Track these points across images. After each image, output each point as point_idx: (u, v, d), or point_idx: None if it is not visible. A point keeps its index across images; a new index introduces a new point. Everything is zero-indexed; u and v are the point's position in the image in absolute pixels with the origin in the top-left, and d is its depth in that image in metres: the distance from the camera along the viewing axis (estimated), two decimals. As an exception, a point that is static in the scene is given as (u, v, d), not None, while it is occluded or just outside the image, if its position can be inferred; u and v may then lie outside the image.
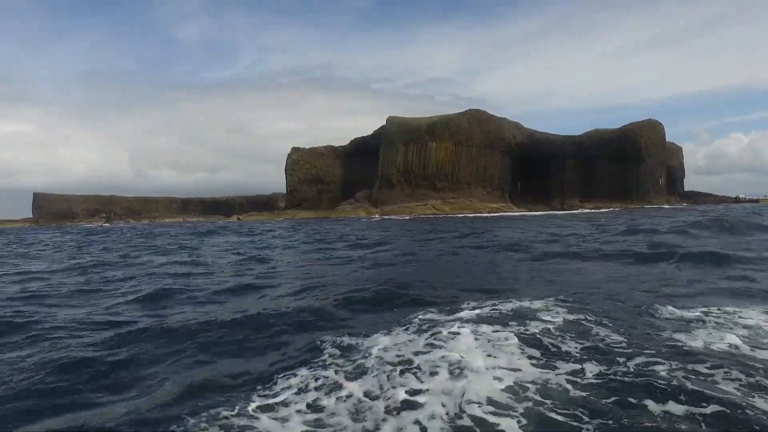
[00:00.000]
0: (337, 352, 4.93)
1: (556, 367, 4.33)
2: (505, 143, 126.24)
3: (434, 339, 5.00)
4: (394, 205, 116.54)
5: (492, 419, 3.42)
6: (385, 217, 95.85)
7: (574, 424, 3.37)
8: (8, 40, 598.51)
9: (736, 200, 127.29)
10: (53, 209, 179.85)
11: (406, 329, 5.52)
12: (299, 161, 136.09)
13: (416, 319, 5.89)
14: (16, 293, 9.86)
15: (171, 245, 25.29)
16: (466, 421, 3.40)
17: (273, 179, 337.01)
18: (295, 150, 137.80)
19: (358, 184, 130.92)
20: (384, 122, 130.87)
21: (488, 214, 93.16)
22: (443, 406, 3.59)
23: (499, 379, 4.06)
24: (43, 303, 8.70)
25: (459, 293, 7.99)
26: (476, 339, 4.94)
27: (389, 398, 3.77)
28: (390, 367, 4.33)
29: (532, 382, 4.00)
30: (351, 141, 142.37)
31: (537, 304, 6.51)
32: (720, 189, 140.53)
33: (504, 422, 3.39)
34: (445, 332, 5.17)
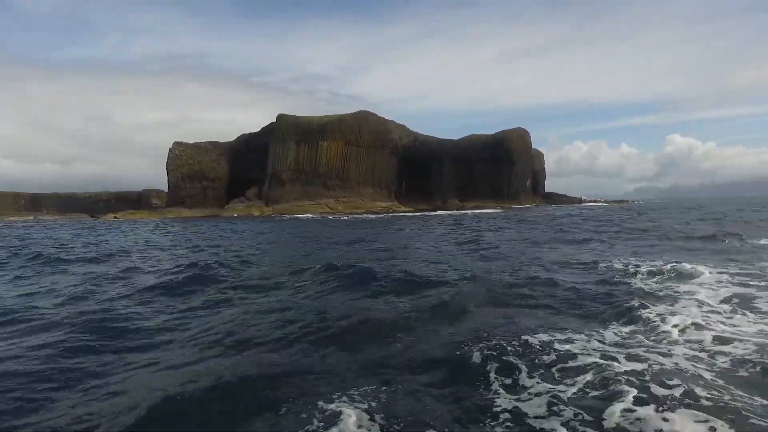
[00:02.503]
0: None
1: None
2: (392, 144, 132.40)
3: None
4: (287, 203, 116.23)
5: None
6: (276, 215, 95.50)
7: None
8: None
9: (580, 201, 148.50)
10: None
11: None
12: (182, 156, 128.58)
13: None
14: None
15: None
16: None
17: (141, 173, 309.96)
18: (177, 144, 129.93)
19: (246, 182, 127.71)
20: (264, 116, 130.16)
21: (387, 214, 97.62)
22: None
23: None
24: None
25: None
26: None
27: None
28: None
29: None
30: (238, 137, 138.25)
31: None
32: (566, 190, 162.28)
33: None
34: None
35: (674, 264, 12.15)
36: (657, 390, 4.90)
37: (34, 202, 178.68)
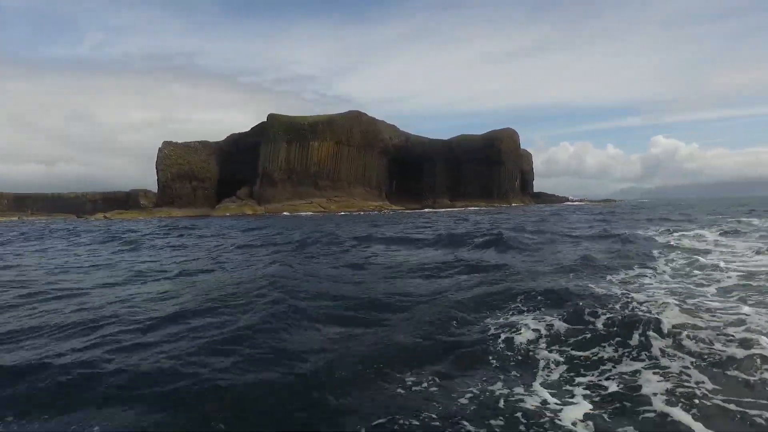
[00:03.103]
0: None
1: None
2: (383, 144, 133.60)
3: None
4: (279, 203, 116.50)
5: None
6: (269, 214, 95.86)
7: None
8: None
9: (566, 200, 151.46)
10: None
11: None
12: (171, 156, 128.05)
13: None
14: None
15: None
16: None
17: (126, 174, 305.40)
18: (166, 144, 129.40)
19: (236, 182, 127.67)
20: (251, 117, 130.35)
21: (380, 212, 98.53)
22: None
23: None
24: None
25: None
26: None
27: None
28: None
29: None
30: (227, 137, 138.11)
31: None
32: (554, 190, 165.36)
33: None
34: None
35: (696, 231, 13.42)
36: (716, 296, 6.14)
37: (18, 203, 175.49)
